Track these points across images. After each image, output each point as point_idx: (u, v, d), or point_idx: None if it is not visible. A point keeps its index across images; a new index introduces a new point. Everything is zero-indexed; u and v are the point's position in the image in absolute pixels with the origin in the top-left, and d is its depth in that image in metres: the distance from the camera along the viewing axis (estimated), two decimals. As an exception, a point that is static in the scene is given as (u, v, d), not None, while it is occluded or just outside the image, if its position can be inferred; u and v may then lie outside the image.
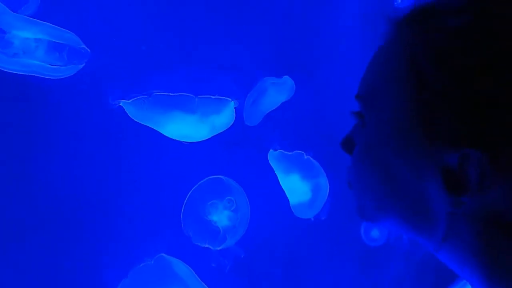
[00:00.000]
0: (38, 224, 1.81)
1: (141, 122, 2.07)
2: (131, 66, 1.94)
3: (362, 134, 0.80)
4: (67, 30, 1.61)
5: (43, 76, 1.63)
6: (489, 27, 0.67)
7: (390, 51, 0.76)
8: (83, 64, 1.65)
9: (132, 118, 2.03)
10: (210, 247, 2.29)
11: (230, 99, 2.24)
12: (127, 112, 2.00)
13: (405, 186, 0.74)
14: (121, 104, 1.92)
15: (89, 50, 1.62)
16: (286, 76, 2.43)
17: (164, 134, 2.18)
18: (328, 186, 2.64)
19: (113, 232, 2.03)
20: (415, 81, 0.70)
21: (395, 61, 0.74)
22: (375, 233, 2.80)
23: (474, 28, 0.68)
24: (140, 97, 1.99)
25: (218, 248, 2.31)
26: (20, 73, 1.58)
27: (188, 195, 2.29)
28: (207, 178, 2.33)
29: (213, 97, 2.19)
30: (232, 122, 2.28)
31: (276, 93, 2.45)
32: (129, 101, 1.94)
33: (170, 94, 2.05)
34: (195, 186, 2.32)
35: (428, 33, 0.70)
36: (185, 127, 2.17)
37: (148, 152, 2.16)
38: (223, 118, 2.27)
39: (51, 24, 1.59)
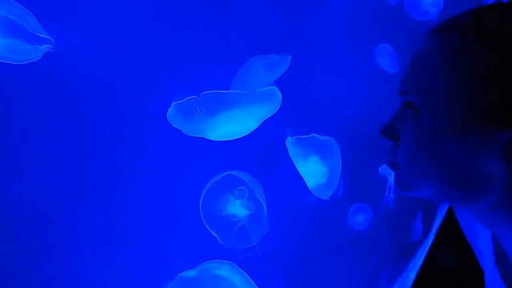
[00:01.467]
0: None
1: (183, 130, 1.86)
2: (127, 60, 1.76)
3: (416, 123, 0.92)
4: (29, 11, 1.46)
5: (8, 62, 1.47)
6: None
7: (436, 53, 0.90)
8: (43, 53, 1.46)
9: (172, 122, 1.81)
10: (236, 244, 2.09)
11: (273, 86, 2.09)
12: (172, 114, 1.79)
13: (461, 163, 0.86)
14: (172, 105, 1.73)
15: (51, 38, 1.45)
16: (276, 55, 2.32)
17: (212, 138, 1.98)
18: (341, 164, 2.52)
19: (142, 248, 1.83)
20: (468, 79, 0.85)
21: (446, 64, 0.88)
22: (360, 218, 2.97)
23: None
24: (190, 98, 1.78)
25: (244, 246, 2.11)
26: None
27: (201, 199, 2.11)
28: (216, 177, 2.15)
29: (267, 88, 2.05)
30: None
31: (266, 72, 2.32)
32: (181, 101, 1.74)
33: (221, 91, 1.87)
34: (206, 189, 2.14)
35: (472, 37, 0.88)
36: (235, 125, 2.00)
37: (151, 149, 1.96)
38: (270, 106, 2.11)
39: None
